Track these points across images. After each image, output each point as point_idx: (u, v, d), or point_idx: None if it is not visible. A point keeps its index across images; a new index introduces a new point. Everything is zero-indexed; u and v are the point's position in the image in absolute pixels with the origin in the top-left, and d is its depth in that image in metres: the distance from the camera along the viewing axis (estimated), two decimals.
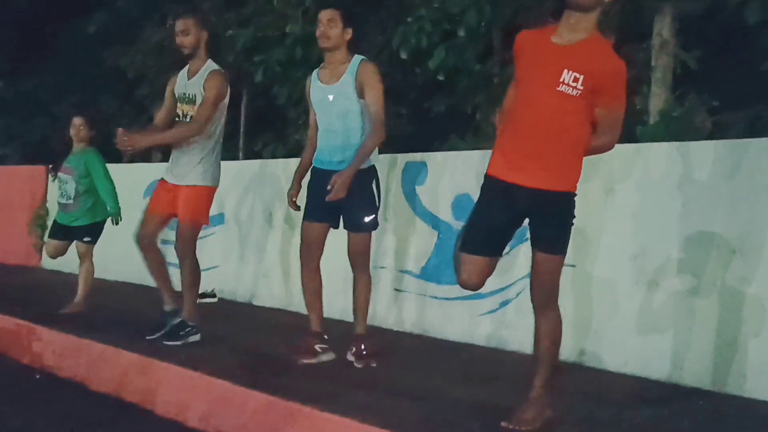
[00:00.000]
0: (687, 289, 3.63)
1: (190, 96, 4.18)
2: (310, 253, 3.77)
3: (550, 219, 2.76)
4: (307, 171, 3.91)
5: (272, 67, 9.49)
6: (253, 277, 5.99)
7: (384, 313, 5.00)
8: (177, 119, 4.31)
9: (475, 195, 4.26)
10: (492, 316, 4.36)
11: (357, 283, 3.80)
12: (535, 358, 2.87)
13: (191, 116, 4.16)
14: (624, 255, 3.86)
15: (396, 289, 4.90)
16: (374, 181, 3.75)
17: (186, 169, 4.25)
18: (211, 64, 4.20)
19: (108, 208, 5.28)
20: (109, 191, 5.27)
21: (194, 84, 4.17)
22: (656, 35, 8.23)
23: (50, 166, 5.57)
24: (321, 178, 3.72)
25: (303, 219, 3.81)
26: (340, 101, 3.68)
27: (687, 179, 3.69)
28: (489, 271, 2.91)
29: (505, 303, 4.29)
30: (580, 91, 2.65)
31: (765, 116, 9.31)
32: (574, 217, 2.82)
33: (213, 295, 6.05)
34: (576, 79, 2.64)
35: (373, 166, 3.75)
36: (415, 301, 4.80)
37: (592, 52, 2.66)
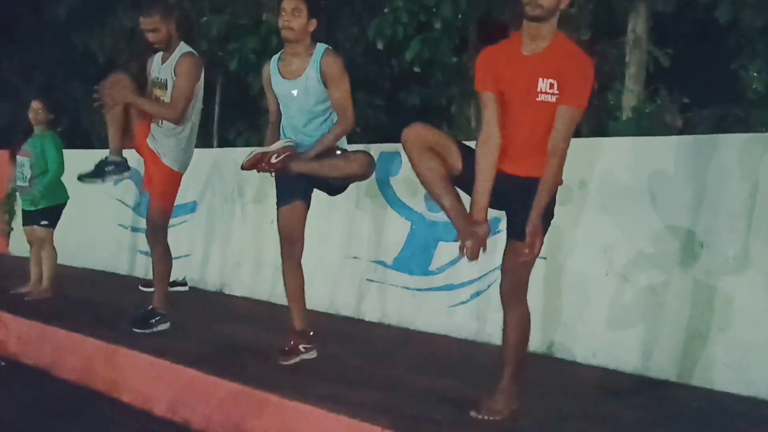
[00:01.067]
0: (656, 283, 3.67)
1: (162, 80, 4.14)
2: (289, 244, 3.56)
3: (527, 206, 2.76)
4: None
5: (247, 55, 9.40)
6: (225, 265, 5.95)
7: (356, 303, 4.99)
8: None
9: None
10: (464, 307, 4.38)
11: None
12: (504, 351, 2.88)
13: (162, 101, 4.12)
14: (594, 248, 3.89)
15: (368, 280, 4.89)
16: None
17: (162, 147, 4.20)
18: (183, 47, 4.16)
19: (42, 187, 5.17)
20: (54, 173, 5.17)
21: (166, 68, 4.13)
22: (630, 32, 8.30)
23: (11, 152, 5.50)
24: None
25: (277, 208, 3.65)
26: (304, 97, 3.51)
27: (656, 174, 3.72)
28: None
29: (476, 294, 4.30)
30: (557, 96, 2.70)
31: (732, 114, 9.47)
32: (552, 215, 2.84)
33: (184, 284, 5.97)
34: (551, 85, 2.70)
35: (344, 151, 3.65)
36: (388, 291, 4.79)
37: (560, 55, 2.71)
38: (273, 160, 3.46)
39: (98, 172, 4.18)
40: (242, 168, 3.57)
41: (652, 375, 3.64)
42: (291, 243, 3.56)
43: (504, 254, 2.86)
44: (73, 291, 5.59)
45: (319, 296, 5.03)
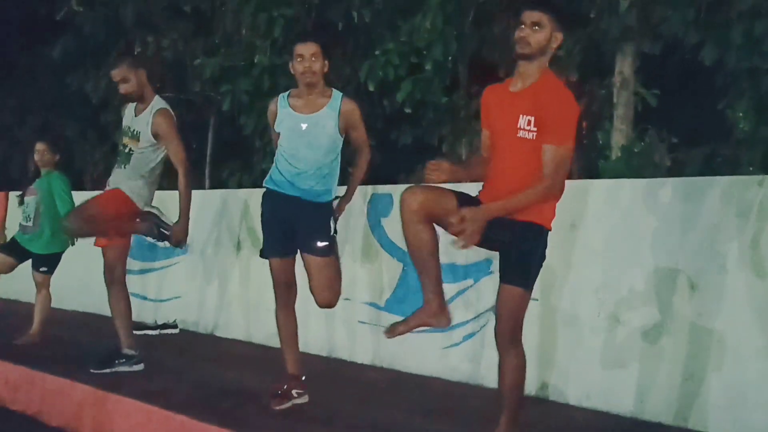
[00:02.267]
0: (648, 324, 3.66)
1: (134, 132, 4.25)
2: (285, 292, 3.62)
3: (518, 249, 2.78)
4: None
5: (239, 96, 9.49)
6: (216, 307, 5.91)
7: (348, 345, 4.96)
8: (119, 147, 4.40)
9: (439, 230, 4.31)
10: (457, 349, 4.35)
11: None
12: (500, 395, 2.86)
13: (130, 149, 4.25)
14: (587, 289, 3.88)
15: (360, 321, 4.87)
16: (332, 215, 3.72)
17: (126, 187, 4.30)
18: (158, 101, 4.27)
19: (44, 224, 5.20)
20: (58, 215, 5.16)
21: (140, 121, 4.24)
22: (618, 73, 8.43)
23: (18, 194, 5.49)
24: (277, 202, 3.63)
25: (266, 255, 3.67)
26: (315, 132, 3.58)
27: (649, 215, 3.74)
28: None
29: (469, 336, 4.28)
30: (534, 133, 2.74)
31: (720, 153, 9.57)
32: (544, 257, 2.85)
33: (174, 326, 5.94)
34: (529, 122, 2.76)
35: (331, 202, 3.71)
36: (380, 333, 4.76)
37: (541, 92, 2.76)
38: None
39: (107, 363, 4.23)
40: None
41: (647, 418, 3.61)
42: (286, 289, 3.61)
43: (497, 298, 2.86)
44: (63, 334, 5.54)
45: (311, 338, 4.99)
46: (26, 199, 5.29)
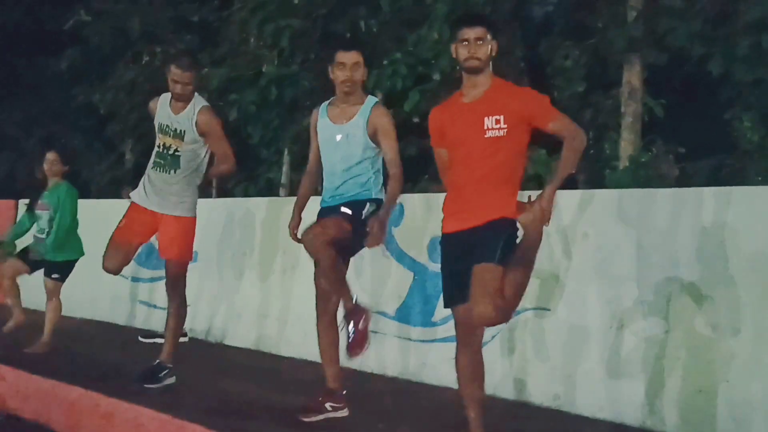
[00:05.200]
0: (659, 335, 3.65)
1: (179, 131, 4.07)
2: (327, 303, 3.55)
3: (487, 234, 2.91)
4: (306, 202, 3.74)
5: (246, 106, 9.52)
6: (226, 316, 5.90)
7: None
8: (157, 149, 4.18)
9: None
10: None
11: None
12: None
13: (176, 149, 4.07)
14: (598, 301, 3.88)
15: (371, 331, 4.85)
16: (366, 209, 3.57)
17: (175, 199, 4.14)
18: (199, 99, 4.14)
19: (50, 241, 5.15)
20: (61, 228, 5.15)
21: (183, 119, 4.06)
22: (626, 83, 8.44)
23: (27, 201, 5.51)
24: (325, 215, 3.58)
25: (315, 266, 3.58)
26: (347, 144, 3.52)
27: (657, 226, 3.74)
28: None
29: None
30: (505, 129, 2.94)
31: (727, 164, 9.56)
32: (515, 237, 2.94)
33: (184, 335, 5.92)
34: (498, 121, 2.95)
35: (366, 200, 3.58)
36: (390, 343, 4.76)
37: (502, 94, 2.99)
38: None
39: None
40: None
41: (658, 429, 3.59)
42: (328, 300, 3.55)
43: (471, 284, 2.85)
44: (74, 343, 5.52)
45: None
46: (38, 212, 5.29)
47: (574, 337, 3.95)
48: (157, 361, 4.19)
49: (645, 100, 9.03)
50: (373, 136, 3.51)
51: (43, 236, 5.25)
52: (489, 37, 2.98)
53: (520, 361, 4.06)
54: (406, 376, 4.66)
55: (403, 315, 4.70)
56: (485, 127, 2.94)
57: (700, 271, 3.56)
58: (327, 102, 3.68)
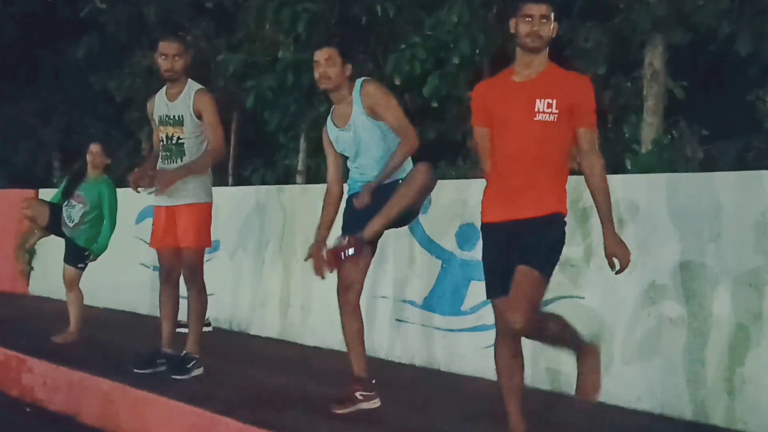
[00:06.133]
0: (700, 323, 3.58)
1: (177, 117, 4.08)
2: (351, 291, 3.49)
3: (540, 238, 2.81)
4: (330, 228, 3.66)
5: (263, 92, 9.46)
6: (250, 305, 5.88)
7: (385, 343, 4.90)
8: (161, 142, 4.19)
9: (480, 224, 4.24)
10: None
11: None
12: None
13: (179, 137, 4.08)
14: (635, 286, 3.80)
15: (398, 320, 4.81)
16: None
17: (184, 188, 4.12)
18: (192, 84, 4.14)
19: (97, 243, 5.19)
20: (108, 229, 5.21)
21: (179, 105, 4.08)
22: (647, 65, 8.29)
23: (63, 185, 5.48)
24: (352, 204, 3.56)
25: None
26: (357, 138, 3.51)
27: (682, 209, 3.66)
28: None
29: None
30: (556, 115, 2.80)
31: (754, 146, 9.40)
32: (563, 243, 2.86)
33: (208, 324, 5.90)
34: (549, 105, 2.81)
35: (398, 180, 3.53)
36: (418, 332, 4.71)
37: (557, 78, 2.85)
38: (349, 253, 3.37)
39: (149, 363, 4.18)
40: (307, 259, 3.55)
41: (701, 420, 3.53)
42: (352, 290, 3.50)
43: (513, 284, 2.78)
44: (99, 333, 5.52)
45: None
46: (72, 202, 5.26)
47: (609, 326, 3.88)
48: (184, 352, 4.17)
49: (667, 82, 8.87)
50: (372, 113, 3.46)
51: (70, 225, 5.24)
52: (552, 16, 2.82)
53: (553, 351, 3.98)
54: (433, 366, 4.61)
55: (430, 304, 4.64)
56: (536, 110, 2.79)
57: (752, 259, 3.45)
58: (330, 110, 3.67)
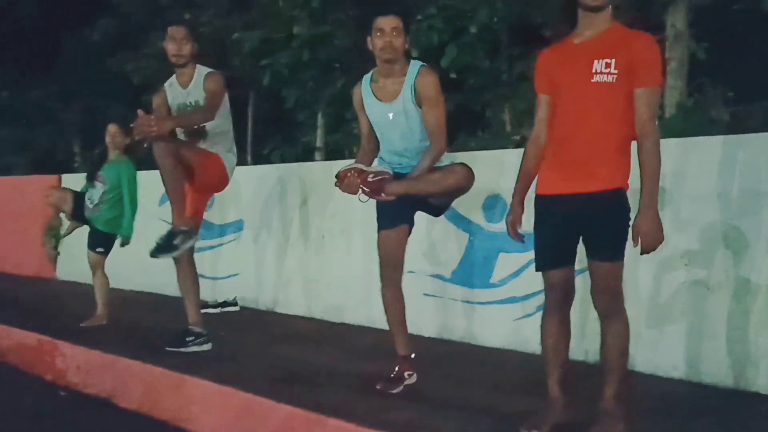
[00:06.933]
0: (740, 292, 3.50)
1: (194, 103, 4.16)
2: (392, 269, 3.45)
3: (607, 224, 2.69)
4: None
5: (280, 69, 9.40)
6: (275, 284, 5.88)
7: (414, 318, 4.86)
8: (182, 130, 4.24)
9: (507, 196, 4.18)
10: (528, 321, 4.25)
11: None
12: (604, 368, 2.76)
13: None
14: (673, 256, 3.72)
15: (426, 294, 4.79)
16: None
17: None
18: (201, 68, 4.20)
19: (122, 227, 5.21)
20: (130, 211, 5.23)
21: (194, 91, 4.16)
22: (670, 26, 8.12)
23: (87, 174, 5.54)
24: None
25: (378, 231, 3.49)
26: (402, 121, 3.37)
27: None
28: (572, 281, 2.86)
29: (542, 306, 4.15)
30: (615, 76, 2.63)
31: None
32: (630, 218, 2.72)
33: (235, 303, 5.94)
34: (608, 65, 2.65)
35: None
36: (447, 306, 4.69)
37: (617, 37, 2.67)
38: (370, 179, 3.29)
39: (169, 246, 4.11)
40: (336, 177, 3.37)
41: (742, 387, 3.47)
42: (394, 267, 3.46)
43: (591, 276, 2.74)
44: (128, 316, 5.56)
45: (376, 313, 4.93)
46: (95, 182, 5.29)
47: (647, 295, 3.82)
48: (185, 327, 4.25)
49: (690, 44, 8.69)
50: (419, 103, 3.36)
51: (91, 206, 5.27)
52: None
53: (590, 323, 3.93)
54: (465, 339, 4.59)
55: (460, 277, 4.61)
56: (593, 70, 2.64)
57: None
58: (368, 76, 3.49)
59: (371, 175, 3.30)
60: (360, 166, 3.37)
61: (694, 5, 8.42)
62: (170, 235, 4.09)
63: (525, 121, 9.69)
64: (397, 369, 3.45)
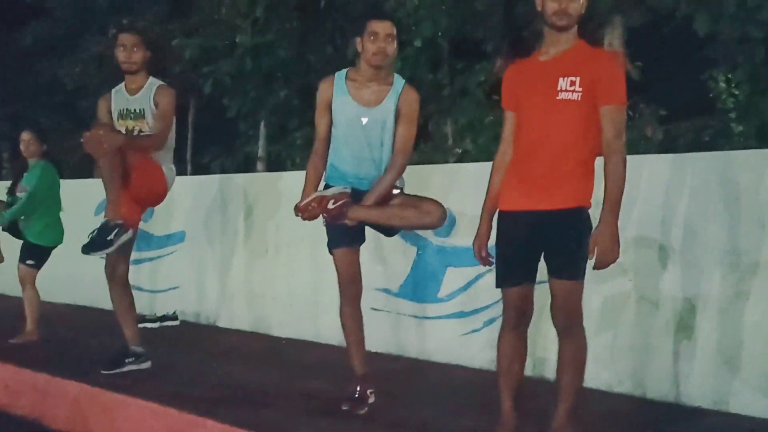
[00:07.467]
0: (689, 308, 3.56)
1: (138, 111, 4.03)
2: (351, 285, 3.39)
3: (568, 243, 2.69)
4: (317, 187, 3.41)
5: (221, 78, 9.25)
6: (218, 298, 5.73)
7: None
8: None
9: (456, 210, 4.18)
10: (476, 336, 4.24)
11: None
12: (559, 384, 2.76)
13: (140, 131, 4.02)
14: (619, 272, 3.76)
15: (373, 309, 4.72)
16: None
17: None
18: (154, 80, 4.10)
19: (10, 210, 4.99)
20: (27, 202, 4.96)
21: (140, 99, 4.04)
22: (607, 45, 8.33)
23: (8, 184, 5.30)
24: None
25: (331, 247, 3.41)
26: (375, 129, 3.29)
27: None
28: (530, 298, 2.85)
29: (490, 322, 4.17)
30: (580, 93, 2.66)
31: (711, 126, 9.55)
32: (588, 237, 2.72)
33: (174, 318, 5.76)
34: (573, 83, 2.67)
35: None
36: (394, 320, 4.64)
37: (582, 55, 2.72)
38: (330, 205, 3.21)
39: (104, 243, 3.78)
40: (296, 209, 3.30)
41: (685, 402, 3.53)
42: (355, 285, 3.40)
43: (551, 293, 2.74)
44: (60, 332, 5.33)
45: (323, 328, 4.86)
46: (18, 195, 5.07)
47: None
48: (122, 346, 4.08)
49: (624, 63, 8.93)
50: (397, 118, 3.30)
51: (21, 219, 5.05)
52: None
53: (539, 338, 3.94)
54: (412, 355, 4.54)
55: (407, 291, 4.57)
56: (558, 88, 2.65)
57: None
58: (342, 74, 3.35)
59: (331, 201, 3.23)
60: (319, 194, 3.29)
61: (627, 26, 8.67)
62: (104, 230, 3.77)
63: (467, 135, 9.79)
64: (359, 388, 3.35)
